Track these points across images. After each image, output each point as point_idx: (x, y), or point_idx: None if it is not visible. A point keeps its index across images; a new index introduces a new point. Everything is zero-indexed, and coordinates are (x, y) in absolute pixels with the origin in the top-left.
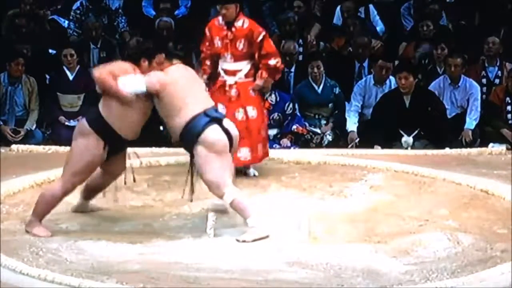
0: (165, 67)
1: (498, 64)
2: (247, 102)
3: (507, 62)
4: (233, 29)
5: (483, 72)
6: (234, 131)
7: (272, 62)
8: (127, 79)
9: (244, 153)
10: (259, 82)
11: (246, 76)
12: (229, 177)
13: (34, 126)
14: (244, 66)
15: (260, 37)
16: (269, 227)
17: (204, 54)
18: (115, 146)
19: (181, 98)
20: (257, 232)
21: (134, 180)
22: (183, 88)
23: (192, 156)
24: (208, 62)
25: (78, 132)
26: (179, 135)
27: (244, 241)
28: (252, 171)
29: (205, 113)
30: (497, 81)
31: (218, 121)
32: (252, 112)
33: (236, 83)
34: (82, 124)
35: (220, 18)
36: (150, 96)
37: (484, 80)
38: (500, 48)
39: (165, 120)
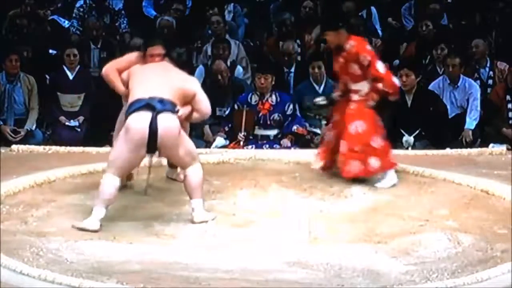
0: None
1: (488, 65)
2: (359, 117)
3: (498, 61)
4: (344, 53)
5: (476, 74)
6: (163, 128)
7: (379, 86)
8: None
9: (354, 166)
10: (370, 103)
11: (366, 94)
12: (121, 168)
13: (34, 126)
14: (362, 87)
15: (366, 62)
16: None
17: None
18: None
19: (135, 82)
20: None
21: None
22: (141, 73)
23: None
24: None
25: None
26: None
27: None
28: (385, 182)
29: (146, 99)
30: (490, 81)
31: (154, 110)
32: (361, 126)
33: (355, 100)
34: None
35: None
36: None
37: (478, 82)
38: (487, 50)
39: None
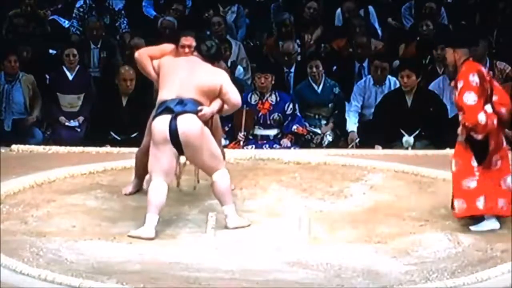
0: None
1: (488, 65)
2: (454, 155)
3: (498, 61)
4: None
5: None
6: (182, 129)
7: (461, 117)
8: None
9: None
10: (459, 138)
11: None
12: (161, 170)
13: (41, 117)
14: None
15: (458, 91)
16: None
17: None
18: None
19: (161, 80)
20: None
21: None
22: (168, 70)
23: None
24: None
25: None
26: None
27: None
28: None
29: (167, 102)
30: None
31: (172, 113)
32: (453, 166)
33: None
34: None
35: None
36: None
37: None
38: (487, 50)
39: None
